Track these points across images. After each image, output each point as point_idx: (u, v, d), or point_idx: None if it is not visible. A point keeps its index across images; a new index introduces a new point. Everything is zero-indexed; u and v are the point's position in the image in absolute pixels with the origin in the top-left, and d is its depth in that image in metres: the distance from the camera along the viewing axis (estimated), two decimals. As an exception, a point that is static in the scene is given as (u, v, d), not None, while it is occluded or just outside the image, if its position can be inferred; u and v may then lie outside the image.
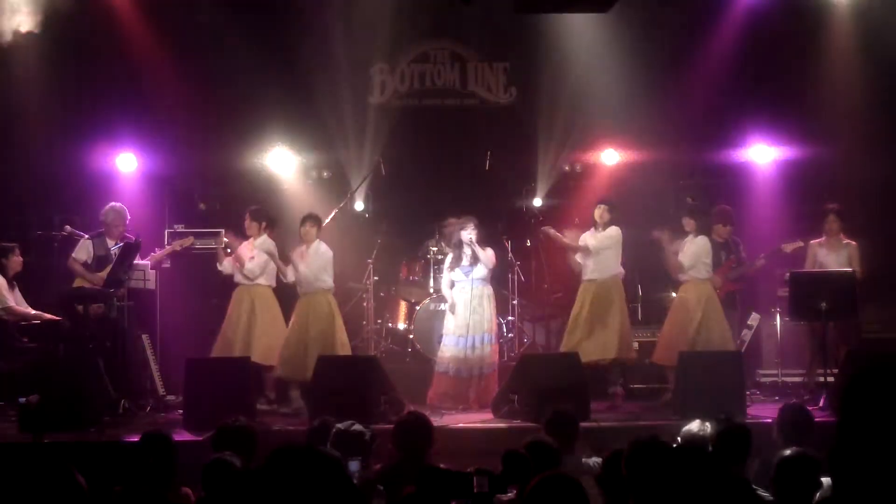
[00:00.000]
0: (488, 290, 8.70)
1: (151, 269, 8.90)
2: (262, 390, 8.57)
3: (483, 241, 8.70)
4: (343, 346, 8.57)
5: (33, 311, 8.31)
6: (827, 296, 8.16)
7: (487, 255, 8.61)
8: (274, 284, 8.80)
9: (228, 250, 8.75)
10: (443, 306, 9.05)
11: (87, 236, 8.79)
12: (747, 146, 10.38)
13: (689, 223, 8.71)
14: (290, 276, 8.60)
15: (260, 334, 8.56)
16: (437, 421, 7.06)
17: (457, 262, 8.72)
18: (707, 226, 8.84)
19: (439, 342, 8.87)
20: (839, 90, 9.86)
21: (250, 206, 8.98)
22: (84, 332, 7.99)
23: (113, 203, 9.01)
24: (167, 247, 8.98)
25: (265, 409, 8.33)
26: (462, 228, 8.66)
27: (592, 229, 8.82)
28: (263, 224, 8.79)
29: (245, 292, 8.69)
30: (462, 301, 8.61)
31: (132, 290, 8.70)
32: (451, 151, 10.80)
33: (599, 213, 8.74)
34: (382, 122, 10.70)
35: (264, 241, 8.69)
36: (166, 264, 9.12)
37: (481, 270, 8.59)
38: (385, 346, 9.93)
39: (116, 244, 8.69)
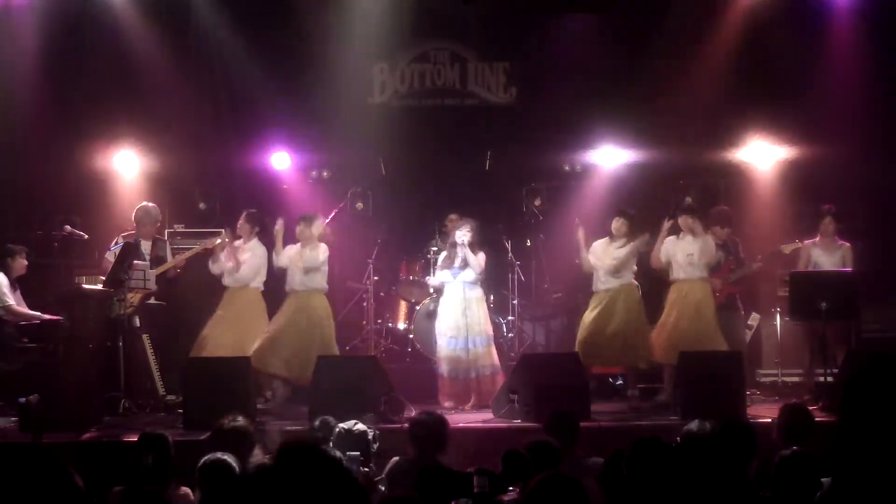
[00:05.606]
0: (478, 293, 8.61)
1: (171, 276, 8.91)
2: (260, 391, 8.56)
3: (480, 244, 8.63)
4: (334, 349, 8.57)
5: (32, 312, 8.30)
6: (827, 296, 8.17)
7: (478, 259, 8.51)
8: (262, 287, 8.79)
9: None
10: (442, 306, 9.04)
11: (117, 240, 8.78)
12: (747, 146, 10.37)
13: (694, 222, 8.61)
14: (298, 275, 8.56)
15: (254, 337, 8.54)
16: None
17: (449, 261, 8.67)
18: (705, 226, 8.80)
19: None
20: (839, 90, 9.84)
21: (248, 208, 8.95)
22: (84, 333, 7.98)
23: (144, 202, 9.06)
24: (193, 248, 8.94)
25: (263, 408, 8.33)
26: (457, 228, 8.63)
27: (608, 239, 8.63)
28: (257, 229, 8.78)
29: (236, 294, 8.67)
30: (452, 302, 8.55)
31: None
32: (451, 151, 10.79)
33: (617, 225, 8.58)
34: (382, 122, 10.68)
35: (256, 245, 8.68)
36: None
37: (469, 274, 8.52)
38: (385, 346, 9.93)
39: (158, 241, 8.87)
